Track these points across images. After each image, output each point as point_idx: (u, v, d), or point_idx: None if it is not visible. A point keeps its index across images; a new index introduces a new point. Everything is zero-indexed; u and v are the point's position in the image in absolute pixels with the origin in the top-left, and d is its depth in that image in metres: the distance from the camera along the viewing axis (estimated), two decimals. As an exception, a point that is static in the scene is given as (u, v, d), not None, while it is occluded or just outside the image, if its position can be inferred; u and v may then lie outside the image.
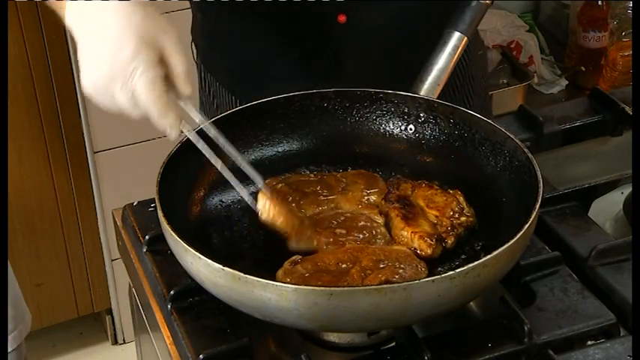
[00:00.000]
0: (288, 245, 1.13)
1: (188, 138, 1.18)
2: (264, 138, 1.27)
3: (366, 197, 1.21)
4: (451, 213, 1.15)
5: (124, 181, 2.41)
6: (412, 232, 1.12)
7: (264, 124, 1.27)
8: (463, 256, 1.12)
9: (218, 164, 1.12)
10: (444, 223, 1.14)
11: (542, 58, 2.87)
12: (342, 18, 1.36)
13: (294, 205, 1.19)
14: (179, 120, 1.07)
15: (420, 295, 0.96)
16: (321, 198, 1.20)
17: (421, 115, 1.27)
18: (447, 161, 1.25)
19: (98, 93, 1.06)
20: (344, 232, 1.14)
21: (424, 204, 1.17)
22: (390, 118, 1.29)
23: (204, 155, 1.11)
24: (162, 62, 1.06)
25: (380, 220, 1.17)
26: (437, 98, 1.27)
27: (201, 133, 1.13)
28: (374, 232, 1.15)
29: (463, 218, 1.15)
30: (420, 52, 1.31)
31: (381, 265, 1.07)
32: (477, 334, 1.07)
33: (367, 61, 1.42)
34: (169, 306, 1.13)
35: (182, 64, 1.07)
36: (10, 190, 2.28)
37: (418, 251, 1.11)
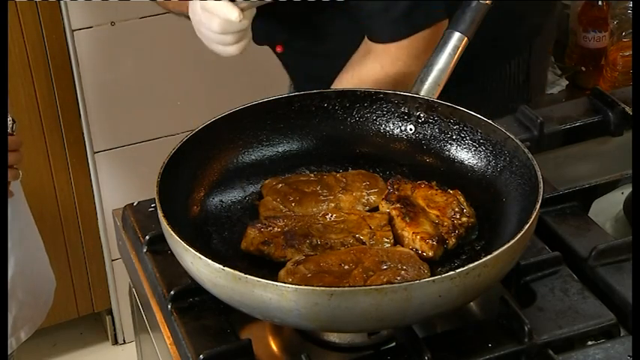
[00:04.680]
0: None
1: (187, 138, 1.18)
2: (264, 138, 1.27)
3: (366, 197, 1.21)
4: (452, 213, 1.15)
5: (124, 181, 2.41)
6: (413, 233, 1.12)
7: (264, 124, 1.27)
8: (464, 256, 1.12)
9: None
10: (445, 224, 1.13)
11: (542, 58, 2.86)
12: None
13: (294, 204, 1.19)
14: None
15: (421, 295, 0.96)
16: (321, 198, 1.20)
17: (421, 115, 1.27)
18: (447, 161, 1.25)
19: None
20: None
21: (424, 204, 1.17)
22: (390, 118, 1.28)
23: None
24: None
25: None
26: (437, 98, 1.27)
27: None
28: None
29: (464, 218, 1.14)
30: None
31: (384, 267, 1.07)
32: (477, 334, 1.07)
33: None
34: (169, 306, 1.13)
35: None
36: (10, 190, 2.27)
37: (420, 252, 1.11)
